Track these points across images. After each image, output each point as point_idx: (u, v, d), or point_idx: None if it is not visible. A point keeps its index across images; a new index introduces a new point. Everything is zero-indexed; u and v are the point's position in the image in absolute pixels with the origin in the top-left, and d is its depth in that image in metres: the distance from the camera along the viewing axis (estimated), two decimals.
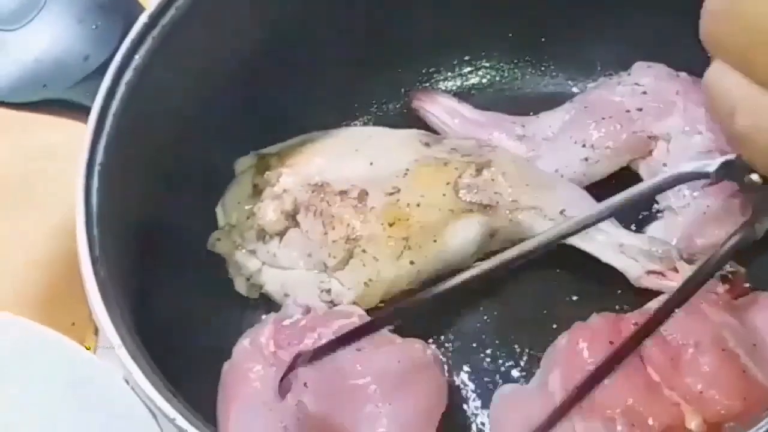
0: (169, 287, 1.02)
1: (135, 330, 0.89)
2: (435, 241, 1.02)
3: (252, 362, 0.98)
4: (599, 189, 1.06)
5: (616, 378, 0.89)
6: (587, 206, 1.03)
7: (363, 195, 1.05)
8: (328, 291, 1.04)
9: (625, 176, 1.08)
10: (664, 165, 1.06)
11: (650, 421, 0.87)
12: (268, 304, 1.09)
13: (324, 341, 0.93)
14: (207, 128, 1.06)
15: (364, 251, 1.02)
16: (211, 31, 1.02)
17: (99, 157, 0.93)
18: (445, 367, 1.01)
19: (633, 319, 0.94)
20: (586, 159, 1.07)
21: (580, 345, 0.93)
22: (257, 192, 1.09)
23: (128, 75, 0.96)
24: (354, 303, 1.02)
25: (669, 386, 0.89)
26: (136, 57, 0.96)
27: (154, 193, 1.02)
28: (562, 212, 1.03)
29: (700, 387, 0.88)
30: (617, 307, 1.01)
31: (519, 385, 0.99)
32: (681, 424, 0.87)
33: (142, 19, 0.97)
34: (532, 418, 0.93)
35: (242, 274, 1.08)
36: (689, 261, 0.98)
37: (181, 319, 1.01)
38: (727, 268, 0.97)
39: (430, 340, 1.04)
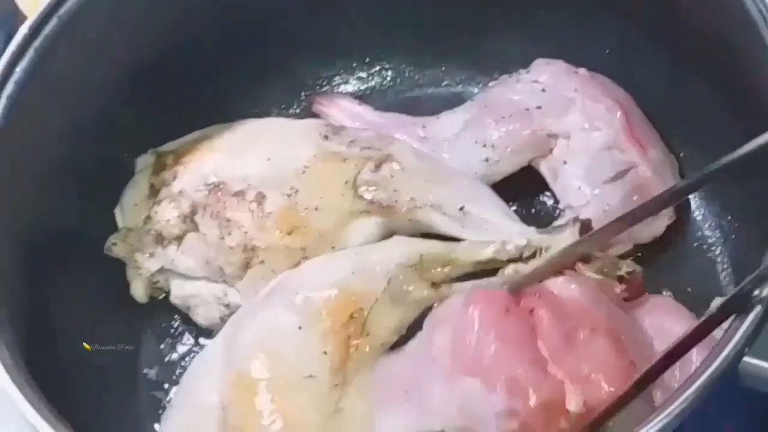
0: (64, 297, 1.00)
1: (21, 346, 0.86)
2: (333, 248, 1.00)
3: None
4: (501, 189, 1.05)
5: (504, 346, 0.88)
6: (488, 202, 1.02)
7: (260, 197, 1.02)
8: (227, 305, 1.02)
9: (527, 175, 1.07)
10: (564, 163, 1.05)
11: (530, 393, 0.85)
12: (167, 310, 1.07)
13: None
14: (103, 129, 1.05)
15: (262, 262, 1.00)
16: (98, 38, 1.01)
17: None
18: None
19: (535, 293, 0.92)
20: (487, 159, 1.06)
21: (474, 308, 0.90)
22: (154, 193, 1.06)
23: (9, 88, 0.94)
24: None
25: (556, 363, 0.87)
26: (17, 70, 0.95)
27: (47, 201, 1.00)
28: (461, 209, 1.00)
29: (587, 369, 0.87)
30: None
31: (396, 351, 0.95)
32: (561, 401, 0.85)
33: (23, 30, 0.95)
34: (414, 378, 0.91)
35: (142, 275, 1.05)
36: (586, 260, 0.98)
37: (74, 332, 1.00)
38: (625, 268, 0.96)
39: None
